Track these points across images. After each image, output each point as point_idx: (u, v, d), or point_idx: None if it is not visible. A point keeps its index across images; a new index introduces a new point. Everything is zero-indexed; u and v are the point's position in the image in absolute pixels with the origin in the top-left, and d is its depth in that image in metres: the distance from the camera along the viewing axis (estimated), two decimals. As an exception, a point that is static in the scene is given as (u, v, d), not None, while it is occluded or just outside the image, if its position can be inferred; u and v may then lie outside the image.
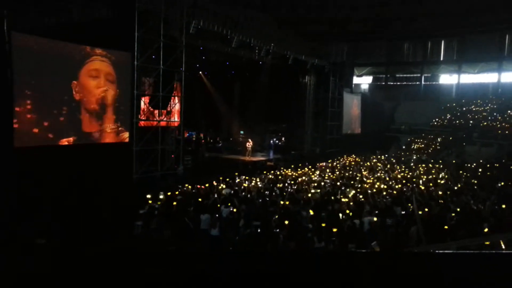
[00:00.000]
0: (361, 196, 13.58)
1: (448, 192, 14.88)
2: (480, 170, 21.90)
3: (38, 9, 17.56)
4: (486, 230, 9.37)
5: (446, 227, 9.49)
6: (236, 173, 18.14)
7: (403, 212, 11.42)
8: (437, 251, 3.44)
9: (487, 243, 8.07)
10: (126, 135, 16.81)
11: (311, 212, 10.82)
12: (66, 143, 14.84)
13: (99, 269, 1.89)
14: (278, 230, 9.40)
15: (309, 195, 13.63)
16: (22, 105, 13.44)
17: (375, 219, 10.41)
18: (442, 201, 13.05)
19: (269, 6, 35.77)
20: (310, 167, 22.38)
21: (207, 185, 15.32)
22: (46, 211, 9.82)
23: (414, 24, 41.23)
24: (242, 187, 15.25)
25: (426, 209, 11.42)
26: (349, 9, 41.68)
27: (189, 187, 14.77)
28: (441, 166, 24.03)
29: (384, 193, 14.57)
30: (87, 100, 15.48)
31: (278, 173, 20.32)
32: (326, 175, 19.44)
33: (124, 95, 16.58)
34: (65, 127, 14.82)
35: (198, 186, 15.01)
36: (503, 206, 11.38)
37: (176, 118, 19.54)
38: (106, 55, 15.93)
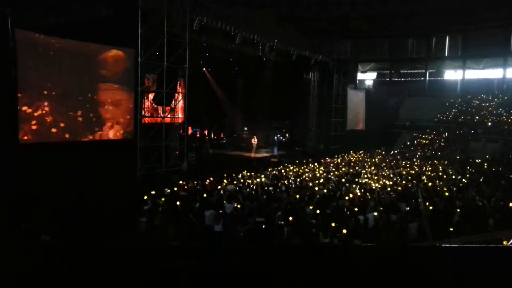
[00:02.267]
0: (365, 192, 13.56)
1: (454, 188, 14.83)
2: (485, 166, 21.81)
3: (42, 7, 17.59)
4: (491, 226, 9.33)
5: (451, 229, 9.40)
6: (245, 171, 18.13)
7: (408, 208, 11.39)
8: (441, 245, 3.42)
9: (492, 239, 8.03)
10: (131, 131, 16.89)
11: (316, 209, 10.81)
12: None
13: (102, 265, 1.88)
14: (282, 223, 9.42)
15: (314, 191, 13.63)
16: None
17: (377, 215, 10.39)
18: (447, 197, 13.01)
19: (270, 4, 35.68)
20: (315, 164, 22.35)
21: (211, 179, 15.39)
22: (49, 208, 9.85)
23: (417, 20, 40.98)
24: (247, 183, 15.25)
25: (431, 206, 11.40)
26: (350, 6, 41.53)
27: (195, 183, 14.77)
28: (446, 162, 23.95)
29: (389, 189, 14.54)
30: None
31: (282, 169, 20.31)
32: (331, 172, 19.41)
33: (128, 92, 16.65)
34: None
35: (207, 182, 15.04)
36: (511, 204, 11.29)
37: (180, 114, 19.56)
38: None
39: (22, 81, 13.10)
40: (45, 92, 13.83)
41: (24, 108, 13.34)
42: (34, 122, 13.53)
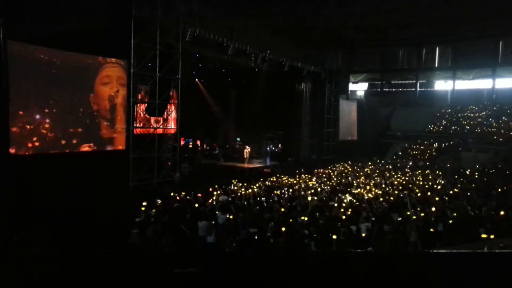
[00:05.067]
0: (358, 203, 13.59)
1: (446, 198, 14.91)
2: (476, 175, 21.98)
3: (34, 18, 17.58)
4: (483, 235, 9.38)
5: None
6: (235, 181, 18.12)
7: (400, 218, 11.43)
8: (431, 251, 3.45)
9: (484, 248, 8.07)
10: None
11: (308, 219, 10.81)
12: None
13: (94, 273, 1.89)
14: (274, 237, 9.40)
15: (306, 201, 13.63)
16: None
17: (370, 225, 10.42)
18: (438, 206, 13.08)
19: (263, 14, 35.90)
20: (307, 175, 22.38)
21: (204, 190, 15.35)
22: (42, 219, 9.77)
23: (408, 31, 41.50)
24: (239, 194, 15.23)
25: (422, 214, 11.46)
26: (343, 17, 41.96)
27: (188, 197, 14.67)
28: (437, 172, 24.10)
29: (381, 199, 14.59)
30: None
31: (275, 179, 20.31)
32: (323, 182, 19.45)
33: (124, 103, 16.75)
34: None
35: (199, 195, 14.99)
36: (502, 212, 11.40)
37: (172, 125, 19.55)
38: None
39: (21, 97, 13.19)
40: (47, 110, 13.96)
41: (27, 125, 13.43)
42: (34, 138, 13.58)
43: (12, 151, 12.97)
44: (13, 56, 12.67)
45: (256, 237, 9.61)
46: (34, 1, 16.95)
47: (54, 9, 17.12)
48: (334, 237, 8.87)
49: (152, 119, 18.28)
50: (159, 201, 12.87)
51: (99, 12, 17.17)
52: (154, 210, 11.70)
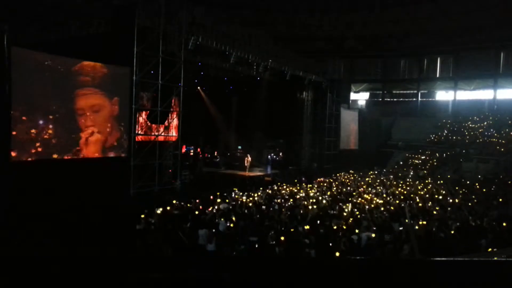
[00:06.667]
0: (358, 212, 13.56)
1: (449, 208, 14.87)
2: (477, 186, 21.93)
3: (39, 24, 17.72)
4: (483, 246, 9.36)
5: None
6: (236, 189, 18.11)
7: (401, 228, 11.39)
8: (430, 259, 3.44)
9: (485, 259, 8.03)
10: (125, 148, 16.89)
11: (308, 228, 10.78)
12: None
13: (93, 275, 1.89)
14: (274, 243, 9.37)
15: (307, 210, 13.61)
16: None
17: (373, 235, 10.39)
18: (440, 217, 13.04)
19: (265, 24, 36.18)
20: (308, 184, 22.34)
21: (208, 197, 15.35)
22: (42, 225, 9.75)
23: (409, 42, 41.78)
24: (239, 202, 15.20)
25: (423, 224, 11.42)
26: (344, 28, 42.36)
27: (188, 205, 14.64)
28: (439, 182, 24.05)
29: (382, 208, 14.55)
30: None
31: (275, 188, 20.28)
32: (324, 191, 19.41)
33: (123, 110, 16.67)
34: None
35: (197, 200, 14.97)
36: (504, 224, 11.38)
37: (174, 132, 19.57)
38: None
39: (24, 103, 13.23)
40: (50, 116, 13.97)
41: (30, 131, 13.44)
42: (37, 144, 13.62)
43: (14, 156, 12.97)
44: (16, 62, 12.73)
45: (256, 246, 9.58)
46: (38, 8, 17.09)
47: (58, 16, 17.24)
48: (337, 254, 8.83)
49: (154, 127, 18.31)
50: (160, 209, 12.84)
51: (103, 20, 17.30)
52: (154, 220, 11.67)
